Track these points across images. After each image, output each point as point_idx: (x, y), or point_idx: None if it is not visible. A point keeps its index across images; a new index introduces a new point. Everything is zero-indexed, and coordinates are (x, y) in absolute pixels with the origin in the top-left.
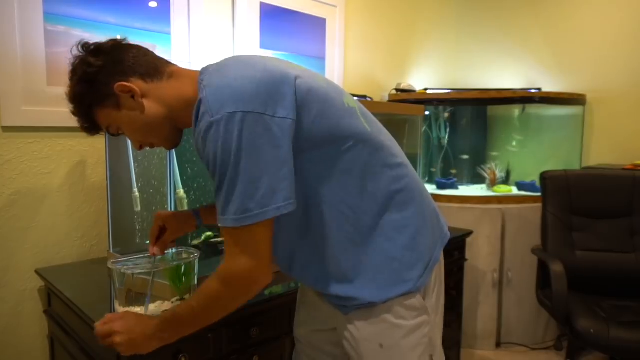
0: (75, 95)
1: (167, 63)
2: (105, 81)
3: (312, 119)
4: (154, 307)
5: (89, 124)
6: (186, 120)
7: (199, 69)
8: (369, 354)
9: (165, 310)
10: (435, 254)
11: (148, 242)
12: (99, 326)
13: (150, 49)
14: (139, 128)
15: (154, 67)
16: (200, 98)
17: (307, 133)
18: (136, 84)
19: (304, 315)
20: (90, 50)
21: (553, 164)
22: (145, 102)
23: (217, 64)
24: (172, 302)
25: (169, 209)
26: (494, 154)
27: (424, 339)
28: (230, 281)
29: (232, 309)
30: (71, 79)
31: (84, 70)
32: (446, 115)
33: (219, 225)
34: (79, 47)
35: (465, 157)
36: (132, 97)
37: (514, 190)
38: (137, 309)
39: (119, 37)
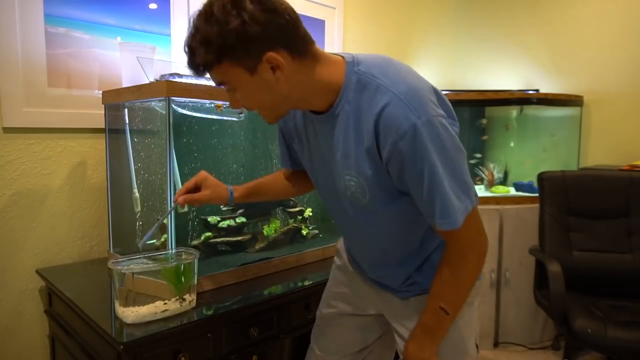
0: (211, 41)
1: (312, 40)
2: (257, 45)
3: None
4: (154, 307)
5: (200, 68)
6: (314, 103)
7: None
8: None
9: (414, 329)
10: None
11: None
12: None
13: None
14: (259, 98)
15: (304, 44)
16: (394, 97)
17: None
18: (284, 57)
19: (339, 299)
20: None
21: (551, 165)
22: (282, 77)
23: (368, 58)
24: (173, 301)
25: (169, 209)
26: (491, 161)
27: (473, 323)
28: (467, 263)
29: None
30: (211, 20)
31: (242, 21)
32: (484, 121)
33: (442, 229)
34: None
35: (479, 155)
36: (272, 69)
37: (512, 191)
38: (134, 309)
39: None
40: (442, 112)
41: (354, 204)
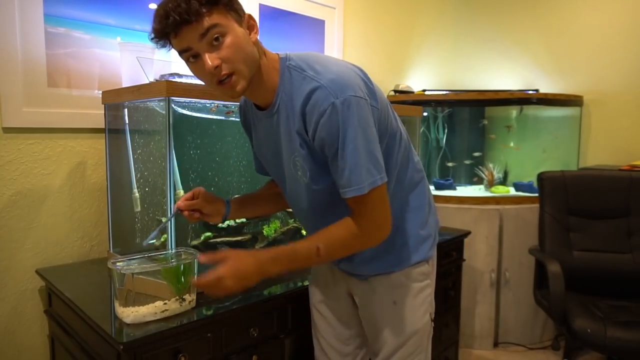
0: None
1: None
2: (240, 5)
3: (381, 112)
4: (154, 307)
5: (199, 6)
6: (261, 89)
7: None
8: (383, 310)
9: (282, 246)
10: (437, 234)
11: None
12: (207, 279)
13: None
14: (245, 47)
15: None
16: (319, 85)
17: (377, 124)
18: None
19: (320, 288)
20: None
21: (550, 165)
22: (254, 40)
23: (298, 55)
24: (173, 301)
25: (169, 209)
26: (488, 158)
27: (428, 298)
28: (364, 237)
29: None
30: None
31: None
32: (485, 122)
33: (349, 195)
34: None
35: (477, 154)
36: (249, 29)
37: (512, 191)
38: (142, 308)
39: None
40: (365, 95)
41: (302, 185)
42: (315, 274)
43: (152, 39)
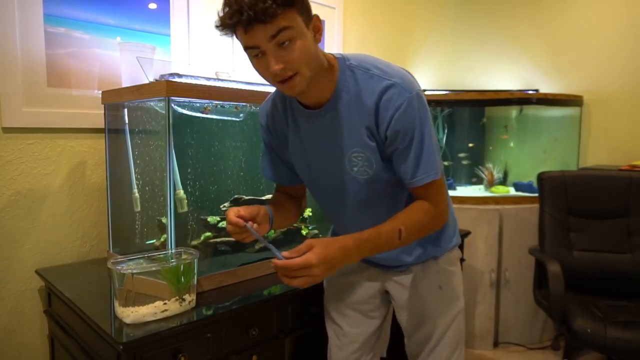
0: None
1: None
2: (309, 6)
3: None
4: (154, 307)
5: (274, 6)
6: (316, 87)
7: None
8: (430, 296)
9: (364, 231)
10: None
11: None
12: (294, 262)
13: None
14: (313, 50)
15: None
16: (392, 83)
17: None
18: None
19: (346, 294)
20: None
21: (550, 165)
22: (318, 41)
23: (355, 55)
24: (173, 301)
25: (169, 209)
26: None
27: (461, 281)
28: (437, 219)
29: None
30: None
31: None
32: (484, 120)
33: (426, 181)
34: None
35: (464, 154)
36: (314, 31)
37: (512, 191)
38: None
39: None
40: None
41: (360, 179)
42: (331, 283)
43: (217, 27)
